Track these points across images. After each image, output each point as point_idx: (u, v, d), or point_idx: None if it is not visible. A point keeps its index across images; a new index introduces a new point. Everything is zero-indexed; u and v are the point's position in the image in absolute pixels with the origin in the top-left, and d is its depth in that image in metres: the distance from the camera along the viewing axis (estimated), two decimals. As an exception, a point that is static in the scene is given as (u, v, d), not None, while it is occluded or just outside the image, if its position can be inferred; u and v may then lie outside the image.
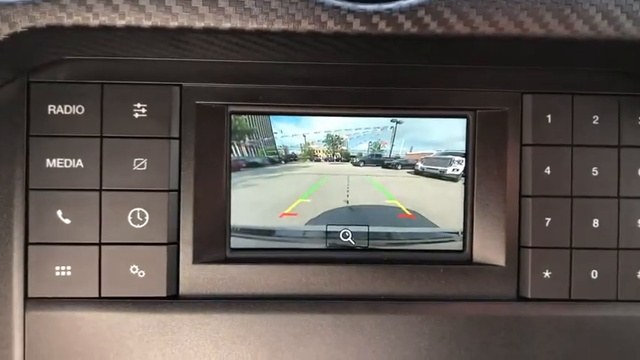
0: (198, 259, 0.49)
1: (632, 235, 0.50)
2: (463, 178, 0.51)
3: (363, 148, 0.51)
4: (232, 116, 0.50)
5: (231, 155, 0.50)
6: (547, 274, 0.50)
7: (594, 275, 0.50)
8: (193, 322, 0.49)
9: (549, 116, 0.50)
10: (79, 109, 0.48)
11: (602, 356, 0.50)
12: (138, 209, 0.48)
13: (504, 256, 0.50)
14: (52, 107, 0.48)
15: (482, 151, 0.51)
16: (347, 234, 0.51)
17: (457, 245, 0.52)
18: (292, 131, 0.51)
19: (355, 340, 0.49)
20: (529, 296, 0.50)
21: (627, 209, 0.50)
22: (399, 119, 0.51)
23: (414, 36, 0.41)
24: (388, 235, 0.51)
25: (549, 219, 0.50)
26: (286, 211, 0.51)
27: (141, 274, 0.48)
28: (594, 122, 0.50)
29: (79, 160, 0.48)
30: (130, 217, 0.48)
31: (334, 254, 0.51)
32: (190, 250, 0.49)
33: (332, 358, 0.49)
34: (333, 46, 0.45)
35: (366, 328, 0.49)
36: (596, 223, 0.50)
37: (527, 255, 0.50)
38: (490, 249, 0.51)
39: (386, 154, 0.51)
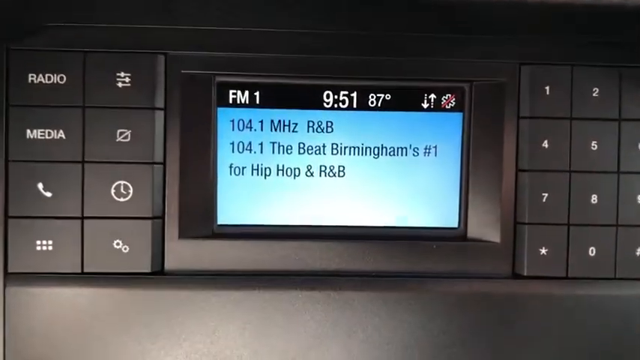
0: (184, 234, 0.48)
1: (632, 212, 0.49)
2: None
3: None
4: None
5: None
6: (544, 251, 0.48)
7: (592, 252, 0.49)
8: (179, 298, 0.47)
9: (547, 88, 0.48)
10: (61, 78, 0.46)
11: (600, 335, 0.49)
12: (121, 182, 0.47)
13: (500, 233, 0.49)
14: (32, 76, 0.46)
15: (478, 124, 0.49)
16: (338, 209, 0.50)
17: (452, 221, 0.50)
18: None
19: (345, 317, 0.48)
20: (525, 274, 0.48)
21: (627, 185, 0.49)
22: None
23: (408, 3, 0.40)
24: (380, 211, 0.50)
25: (546, 194, 0.48)
26: (275, 186, 0.50)
27: (125, 249, 0.47)
28: (594, 94, 0.48)
29: (61, 131, 0.46)
30: (113, 191, 0.47)
31: (325, 230, 0.50)
32: (176, 224, 0.48)
33: (322, 335, 0.48)
34: (323, 14, 0.43)
35: (357, 305, 0.48)
36: (594, 198, 0.49)
37: (523, 231, 0.48)
38: (485, 225, 0.49)
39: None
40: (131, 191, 0.47)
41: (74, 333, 0.46)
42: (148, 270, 0.47)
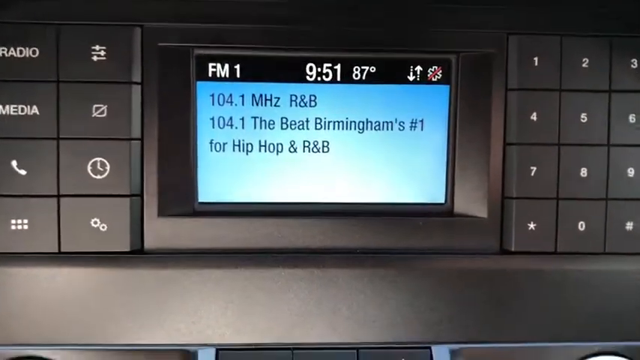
0: (163, 212, 0.47)
1: (622, 185, 0.48)
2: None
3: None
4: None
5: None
6: (532, 226, 0.47)
7: (581, 227, 0.48)
8: (159, 277, 0.46)
9: (536, 59, 0.47)
10: (33, 52, 0.45)
11: (588, 311, 0.48)
12: (98, 159, 0.45)
13: (487, 208, 0.48)
14: (3, 49, 0.44)
15: (465, 96, 0.48)
16: (322, 186, 0.49)
17: (438, 197, 0.49)
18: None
19: (330, 295, 0.47)
20: (513, 249, 0.47)
21: (617, 158, 0.48)
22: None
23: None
24: (366, 187, 0.49)
25: (535, 168, 0.47)
26: (258, 162, 0.48)
27: (103, 227, 0.46)
28: (584, 65, 0.47)
29: (34, 107, 0.45)
30: (89, 168, 0.45)
31: (308, 207, 0.48)
32: (155, 202, 0.46)
33: (305, 313, 0.47)
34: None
35: (342, 282, 0.47)
36: (584, 172, 0.47)
37: (511, 206, 0.47)
38: (472, 200, 0.48)
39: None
40: (108, 168, 0.45)
41: (52, 313, 0.45)
42: (127, 249, 0.46)
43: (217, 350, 0.46)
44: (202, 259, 0.46)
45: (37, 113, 0.45)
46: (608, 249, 0.48)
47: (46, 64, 0.45)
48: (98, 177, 0.45)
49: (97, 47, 0.45)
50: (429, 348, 0.47)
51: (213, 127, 0.48)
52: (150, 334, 0.46)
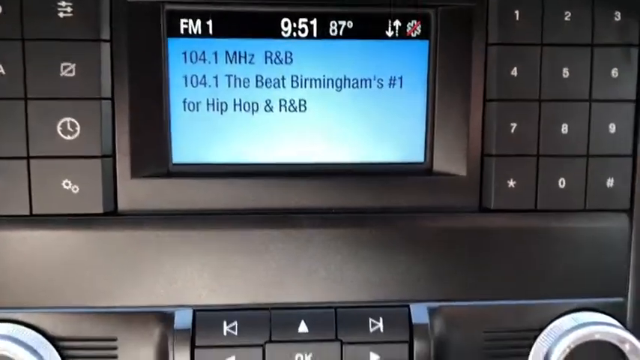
0: (137, 173, 0.46)
1: (603, 142, 0.47)
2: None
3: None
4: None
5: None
6: (511, 183, 0.47)
7: (562, 184, 0.47)
8: (134, 239, 0.45)
9: (517, 12, 0.46)
10: None
11: (568, 268, 0.48)
12: (68, 119, 0.44)
13: (466, 166, 0.47)
14: None
15: (444, 52, 0.47)
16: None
17: (417, 156, 0.48)
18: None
19: (307, 256, 0.46)
20: (492, 207, 0.47)
21: (599, 113, 0.47)
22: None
23: None
24: (344, 146, 0.48)
25: (515, 124, 0.46)
26: (233, 121, 0.47)
27: (75, 189, 0.45)
28: (566, 19, 0.46)
29: (0, 66, 0.43)
30: (59, 128, 0.44)
31: (285, 167, 0.48)
32: (128, 163, 0.45)
33: (282, 274, 0.46)
34: None
35: (318, 242, 0.46)
36: (565, 128, 0.47)
37: (490, 164, 0.47)
38: (452, 158, 0.47)
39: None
40: (78, 128, 0.44)
41: (25, 277, 0.45)
42: (100, 211, 0.45)
43: (194, 311, 0.46)
44: (177, 220, 0.46)
45: (3, 73, 0.43)
46: (589, 206, 0.47)
47: (10, 21, 0.43)
48: (68, 138, 0.44)
49: (63, 3, 0.43)
50: (407, 306, 0.47)
51: (186, 86, 0.47)
52: (126, 297, 0.46)
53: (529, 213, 0.47)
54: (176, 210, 0.46)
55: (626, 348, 0.45)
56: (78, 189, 0.45)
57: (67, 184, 0.44)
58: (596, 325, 0.45)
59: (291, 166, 0.48)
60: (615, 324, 0.46)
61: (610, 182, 0.47)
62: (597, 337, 0.45)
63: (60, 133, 0.44)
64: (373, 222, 0.47)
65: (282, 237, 0.46)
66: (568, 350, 0.45)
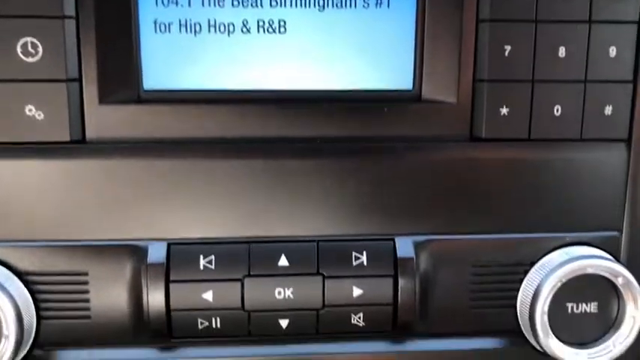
0: (105, 98, 0.43)
1: (602, 66, 0.44)
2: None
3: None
4: None
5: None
6: (504, 110, 0.44)
7: (557, 112, 0.44)
8: (103, 168, 0.43)
9: None
10: None
11: (561, 201, 0.45)
12: (28, 39, 0.41)
13: (457, 92, 0.44)
14: None
15: None
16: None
17: (405, 82, 0.45)
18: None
19: (288, 187, 0.44)
20: (483, 136, 0.44)
21: (599, 35, 0.44)
22: None
23: None
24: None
25: (509, 47, 0.43)
26: (208, 44, 0.44)
27: (39, 115, 0.42)
28: None
29: None
30: (19, 49, 0.41)
31: (264, 94, 0.45)
32: (95, 88, 0.42)
33: (262, 206, 0.44)
34: None
35: (300, 173, 0.44)
36: (562, 52, 0.44)
37: (482, 90, 0.44)
38: (441, 84, 0.45)
39: None
40: (40, 50, 0.41)
41: (-11, 208, 0.42)
42: (67, 138, 0.42)
43: (169, 245, 0.43)
44: (150, 149, 0.43)
45: None
46: (585, 135, 0.45)
47: None
48: (30, 60, 0.41)
49: None
50: (393, 240, 0.44)
51: (157, 5, 0.43)
52: (96, 229, 0.43)
53: (522, 142, 0.45)
54: (148, 138, 0.43)
55: (619, 282, 0.44)
56: (42, 115, 0.42)
57: (30, 110, 0.42)
58: (589, 259, 0.44)
59: (270, 92, 0.45)
60: (609, 257, 0.44)
61: (608, 110, 0.44)
62: (590, 270, 0.43)
63: (20, 54, 0.41)
64: (358, 152, 0.44)
65: (261, 167, 0.44)
66: (560, 284, 0.43)
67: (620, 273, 0.43)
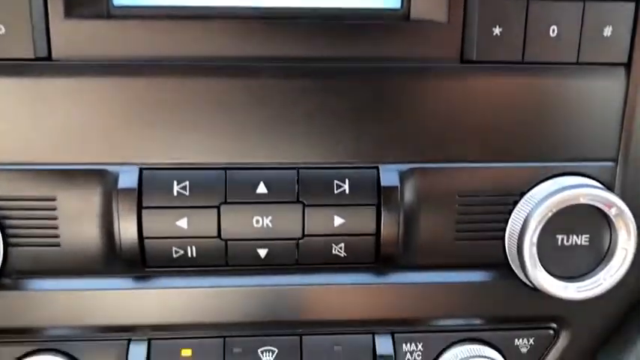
0: (72, 12, 0.40)
1: (603, -17, 0.41)
2: None
3: None
4: None
5: None
6: (497, 30, 0.41)
7: (553, 32, 0.42)
8: (71, 88, 0.40)
9: None
10: None
11: (554, 128, 0.43)
12: (-14, -56, 0.38)
13: (447, 11, 0.42)
14: None
15: None
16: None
17: (393, 1, 0.43)
18: None
19: (267, 110, 0.41)
20: (474, 58, 0.42)
21: (600, -51, 0.41)
22: None
23: None
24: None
25: (503, -39, 0.40)
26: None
27: (0, 29, 0.39)
28: None
29: None
30: (-24, -44, 0.38)
31: (242, 10, 0.42)
32: (61, 1, 0.40)
33: (239, 131, 0.42)
34: None
35: (280, 95, 0.41)
36: (560, -33, 0.41)
37: (474, 8, 0.41)
38: (431, 2, 0.42)
39: None
40: (-1, -44, 0.38)
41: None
42: (32, 55, 0.40)
43: (141, 170, 0.41)
44: (120, 67, 0.41)
45: None
46: (582, 58, 0.42)
47: None
48: (-12, -32, 0.38)
49: None
50: (376, 168, 0.42)
51: None
52: (64, 153, 0.41)
53: (515, 65, 0.42)
54: (118, 57, 0.41)
55: (612, 212, 0.42)
56: (4, 29, 0.39)
57: (-10, 24, 0.39)
58: (582, 188, 0.42)
59: (251, 9, 0.42)
60: (602, 187, 0.42)
61: (607, 31, 0.42)
62: (582, 200, 0.41)
63: (-25, -40, 0.38)
64: (342, 74, 0.42)
65: (239, 88, 0.41)
66: (550, 214, 0.41)
67: (613, 203, 0.41)
